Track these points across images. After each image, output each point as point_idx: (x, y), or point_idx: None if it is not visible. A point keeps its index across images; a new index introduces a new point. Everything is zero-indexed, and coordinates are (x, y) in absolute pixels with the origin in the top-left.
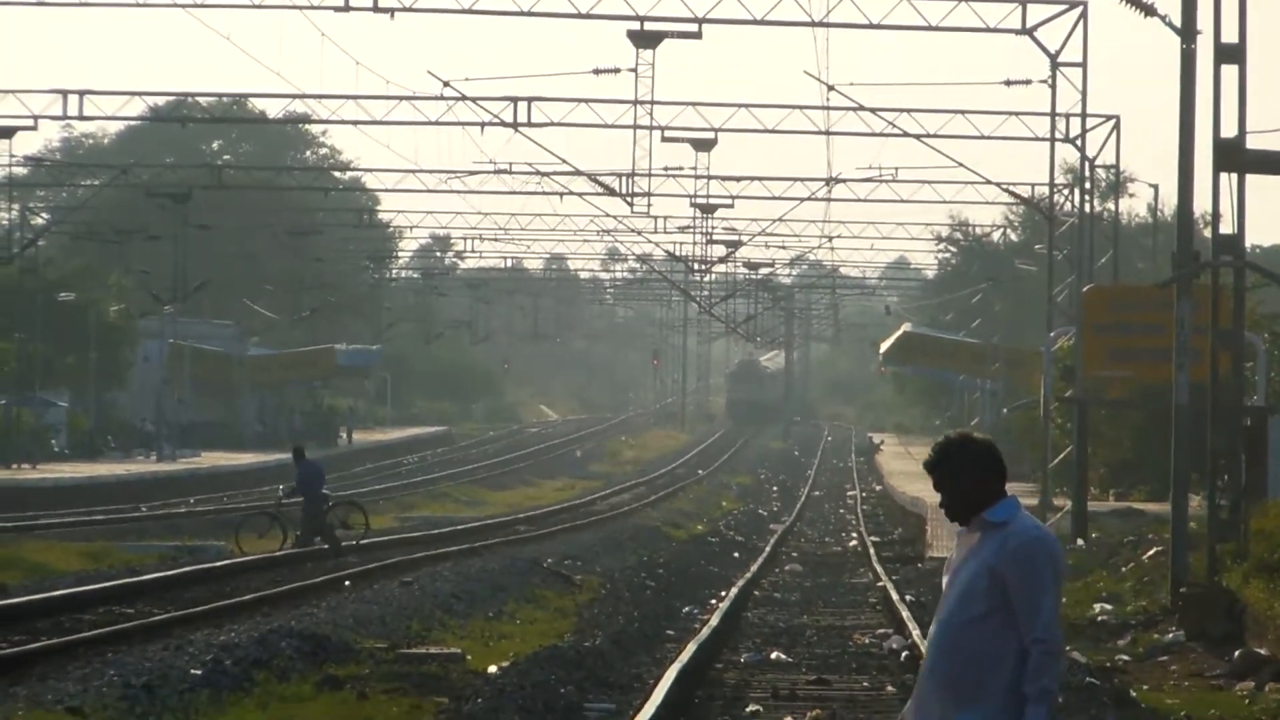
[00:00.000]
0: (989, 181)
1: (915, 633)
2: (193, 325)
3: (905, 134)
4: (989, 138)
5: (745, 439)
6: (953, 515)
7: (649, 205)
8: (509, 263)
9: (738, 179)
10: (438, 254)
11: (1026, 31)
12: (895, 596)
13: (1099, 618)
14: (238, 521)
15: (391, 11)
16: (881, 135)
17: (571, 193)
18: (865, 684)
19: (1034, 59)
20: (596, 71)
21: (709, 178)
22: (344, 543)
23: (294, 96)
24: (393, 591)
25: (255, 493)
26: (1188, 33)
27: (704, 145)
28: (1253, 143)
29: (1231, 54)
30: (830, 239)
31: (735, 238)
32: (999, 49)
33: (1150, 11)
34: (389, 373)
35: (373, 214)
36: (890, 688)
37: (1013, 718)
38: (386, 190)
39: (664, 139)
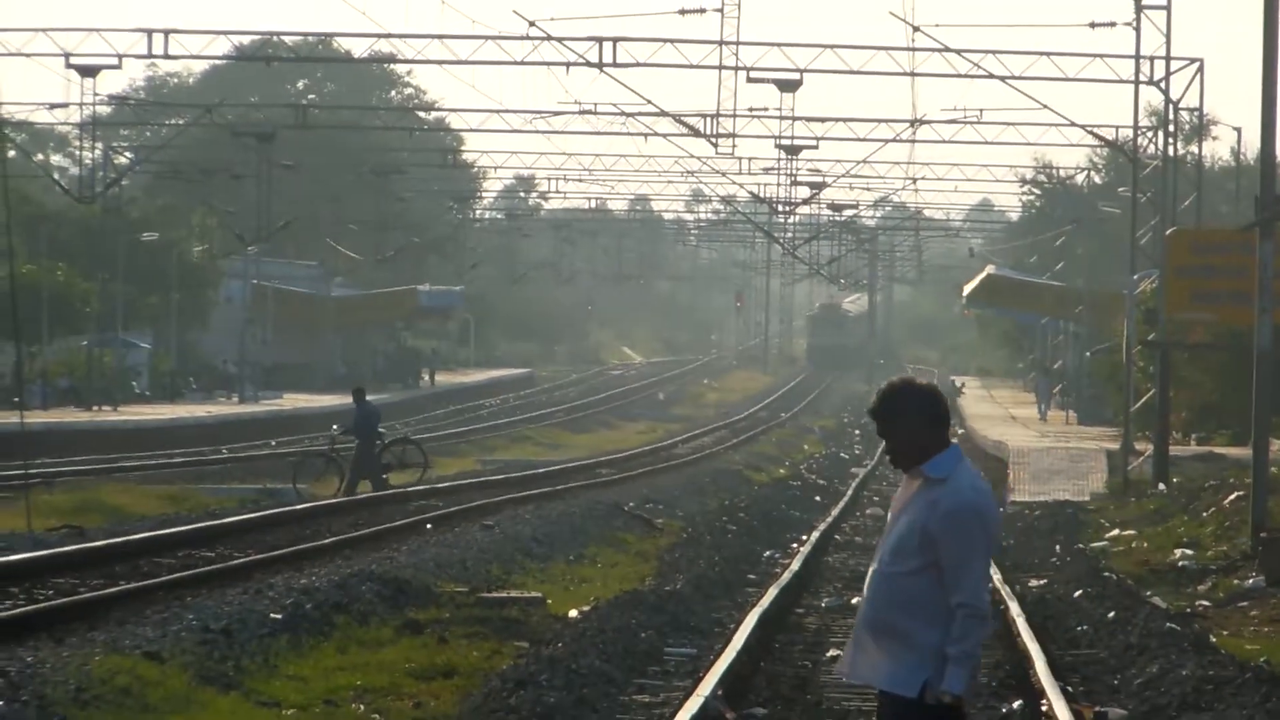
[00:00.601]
0: (1073, 124)
1: (996, 577)
2: (276, 266)
3: (990, 75)
4: (1073, 80)
5: (828, 382)
6: (896, 462)
7: (733, 146)
8: (593, 204)
9: (822, 120)
10: (522, 194)
11: None
12: None
13: (1179, 563)
14: (295, 465)
15: None
16: (966, 77)
17: (656, 133)
18: None
19: (1118, 1)
20: (682, 12)
21: (793, 119)
22: (411, 486)
23: (379, 36)
24: (473, 535)
25: (324, 436)
26: None
27: (789, 86)
28: None
29: None
30: (914, 181)
31: (819, 179)
32: None
33: None
34: (472, 314)
35: (457, 154)
36: None
37: (940, 671)
38: (471, 130)
39: (749, 80)
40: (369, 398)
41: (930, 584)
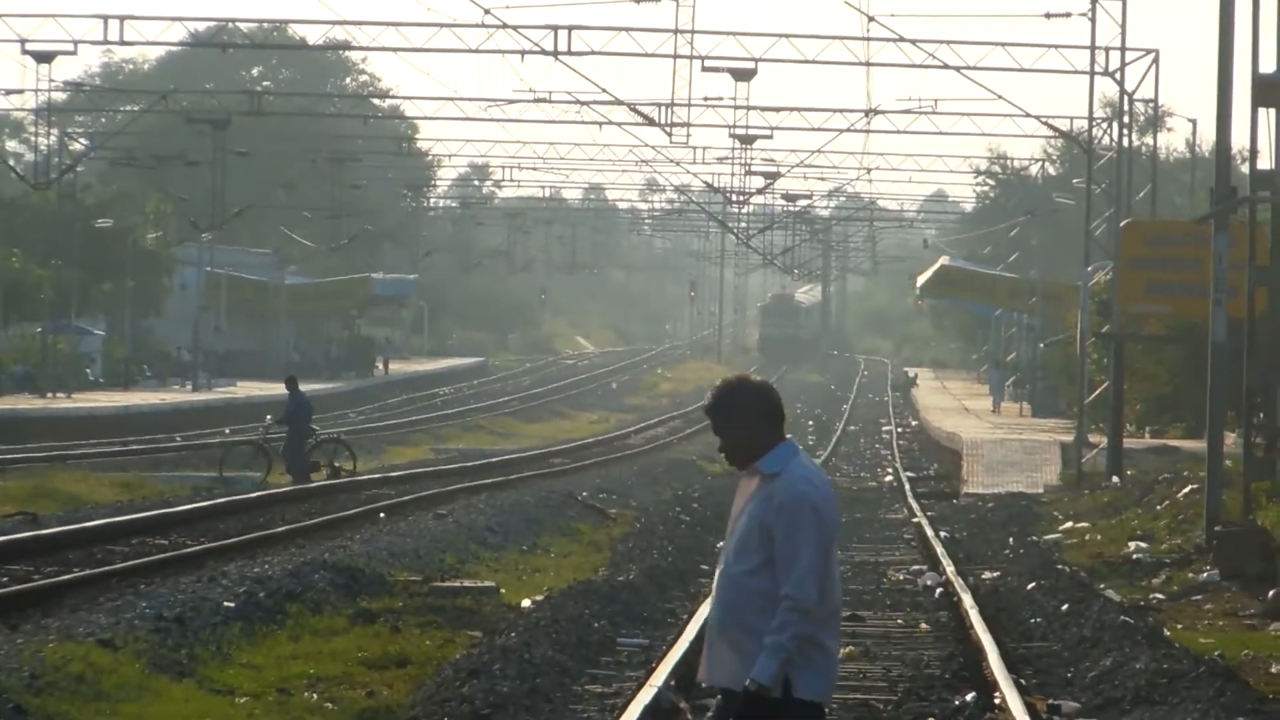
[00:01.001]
0: (1028, 114)
1: (950, 569)
2: (230, 253)
3: (945, 66)
4: (1028, 70)
5: (781, 373)
6: (731, 460)
7: (688, 135)
8: (547, 192)
9: (777, 110)
10: (476, 183)
11: None
12: (930, 532)
13: (1133, 556)
14: (222, 453)
15: None
16: (921, 67)
17: (611, 122)
18: (899, 620)
19: None
20: (638, 0)
21: (748, 108)
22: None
23: (334, 23)
24: (427, 524)
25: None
26: None
27: (743, 75)
28: None
29: None
30: (869, 171)
31: (774, 169)
32: None
33: None
34: (425, 302)
35: (411, 142)
36: (924, 625)
37: (790, 665)
38: (425, 118)
39: (704, 69)
40: (303, 387)
41: (773, 580)
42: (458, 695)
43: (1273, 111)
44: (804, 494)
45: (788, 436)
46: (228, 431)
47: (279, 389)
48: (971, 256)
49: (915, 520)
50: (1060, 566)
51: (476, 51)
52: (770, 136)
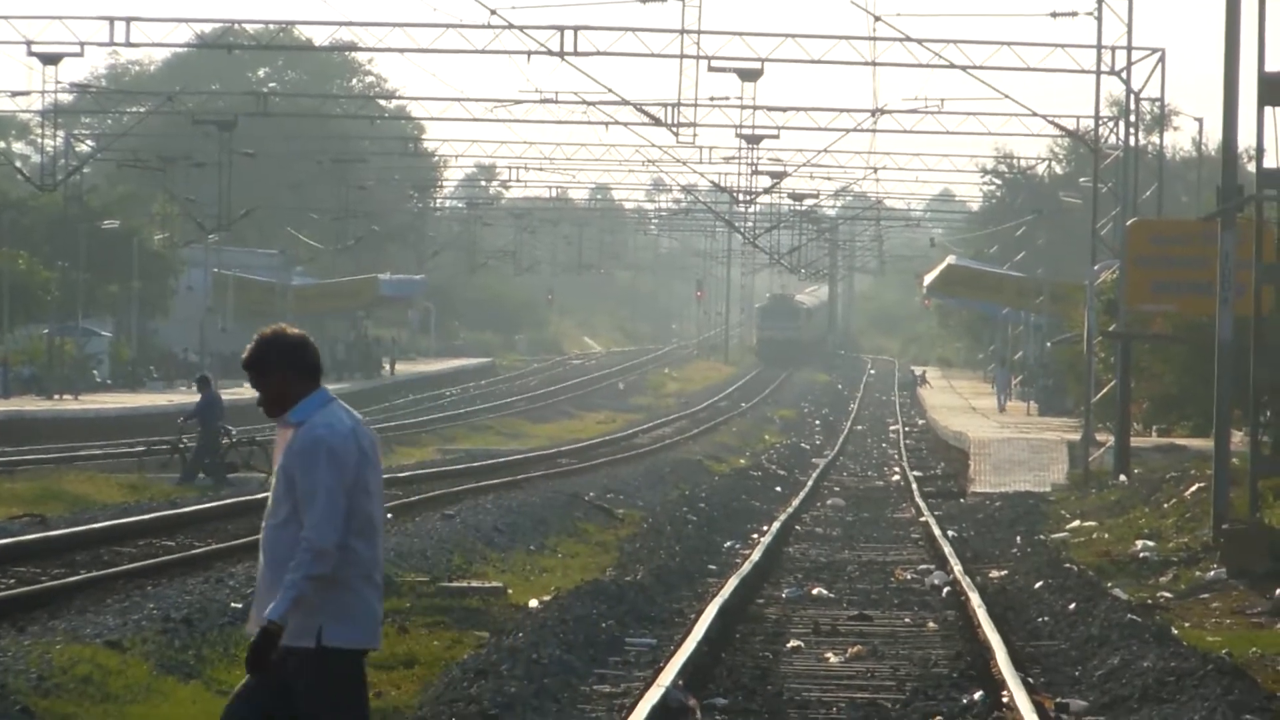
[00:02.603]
0: (1034, 114)
1: (957, 568)
2: (237, 254)
3: (951, 65)
4: (1035, 70)
5: (788, 373)
6: (269, 412)
7: (694, 135)
8: (554, 193)
9: (783, 109)
10: (483, 183)
11: None
12: (937, 532)
13: (1140, 555)
14: (140, 456)
15: None
16: (927, 66)
17: (617, 122)
18: (907, 620)
19: None
20: (644, 0)
21: (754, 108)
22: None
23: (340, 24)
24: (434, 524)
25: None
26: None
27: (750, 75)
28: None
29: None
30: (875, 170)
31: (780, 169)
32: None
33: None
34: (432, 303)
35: (418, 143)
36: (932, 624)
37: (331, 614)
38: (432, 119)
39: (710, 69)
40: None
41: (298, 533)
42: (465, 696)
43: (1279, 110)
44: (319, 437)
45: (323, 386)
46: (234, 433)
47: None
48: (978, 256)
49: (922, 519)
50: (1067, 565)
51: (483, 52)
52: (777, 136)
